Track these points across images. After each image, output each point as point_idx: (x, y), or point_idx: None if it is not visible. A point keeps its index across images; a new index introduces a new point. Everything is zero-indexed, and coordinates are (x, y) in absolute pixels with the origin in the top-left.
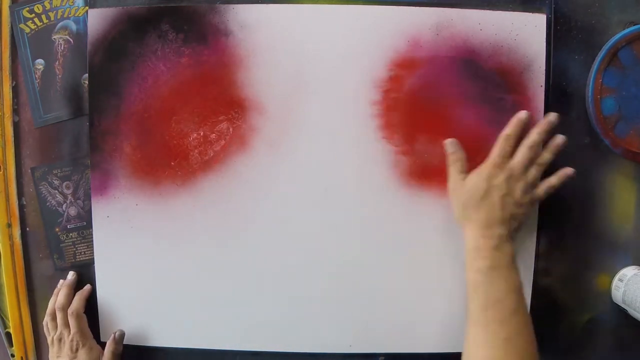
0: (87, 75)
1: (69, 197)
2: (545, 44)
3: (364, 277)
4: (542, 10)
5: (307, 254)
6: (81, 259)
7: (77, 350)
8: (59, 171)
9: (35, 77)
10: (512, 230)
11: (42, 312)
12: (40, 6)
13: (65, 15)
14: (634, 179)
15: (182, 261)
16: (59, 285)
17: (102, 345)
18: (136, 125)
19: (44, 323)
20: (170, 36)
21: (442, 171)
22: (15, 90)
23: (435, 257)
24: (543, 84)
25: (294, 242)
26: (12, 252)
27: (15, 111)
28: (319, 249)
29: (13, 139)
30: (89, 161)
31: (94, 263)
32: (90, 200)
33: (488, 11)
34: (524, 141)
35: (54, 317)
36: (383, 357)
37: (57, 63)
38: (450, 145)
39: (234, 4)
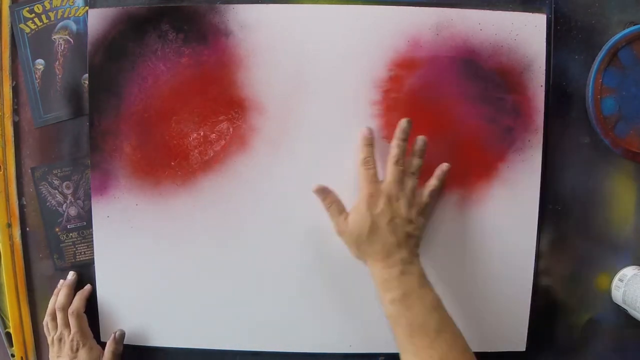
0: (87, 75)
1: (69, 197)
2: (545, 44)
3: (364, 277)
4: (542, 10)
5: (307, 254)
6: (81, 259)
7: (77, 350)
8: (59, 171)
9: (35, 77)
10: (412, 248)
11: (42, 312)
12: (40, 6)
13: (65, 15)
14: (634, 179)
15: (182, 261)
16: (59, 285)
17: (102, 345)
18: (136, 125)
19: (44, 323)
20: (170, 36)
21: None
22: (15, 90)
23: (435, 257)
24: (543, 84)
25: (294, 242)
26: (12, 252)
27: (15, 111)
28: (319, 248)
29: (13, 139)
30: (89, 161)
31: (94, 263)
32: (90, 200)
33: (488, 11)
34: (389, 158)
35: (54, 317)
36: (383, 357)
37: (57, 63)
38: (318, 192)
39: (234, 4)
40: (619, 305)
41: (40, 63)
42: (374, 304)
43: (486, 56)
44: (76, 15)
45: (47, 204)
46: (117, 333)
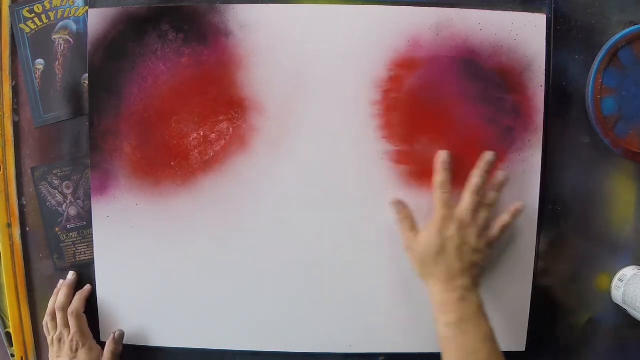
0: (87, 75)
1: (69, 197)
2: (545, 44)
3: (364, 277)
4: (542, 10)
5: (307, 253)
6: (81, 259)
7: (77, 350)
8: (59, 171)
9: (35, 77)
10: (475, 277)
11: (42, 312)
12: (40, 6)
13: (65, 15)
14: (634, 179)
15: (182, 261)
16: (59, 285)
17: (102, 345)
18: (136, 125)
19: (44, 323)
20: (170, 36)
21: None
22: (15, 90)
23: None
24: (543, 84)
25: (294, 242)
26: (12, 252)
27: (15, 111)
28: (318, 248)
29: (13, 139)
30: (89, 161)
31: (94, 263)
32: (90, 200)
33: (488, 11)
34: (468, 187)
35: (54, 317)
36: (383, 357)
37: (57, 63)
38: (395, 205)
39: (234, 4)
40: (619, 305)
41: (40, 63)
42: (374, 304)
43: (486, 56)
44: (76, 15)
45: (47, 204)
46: (116, 333)
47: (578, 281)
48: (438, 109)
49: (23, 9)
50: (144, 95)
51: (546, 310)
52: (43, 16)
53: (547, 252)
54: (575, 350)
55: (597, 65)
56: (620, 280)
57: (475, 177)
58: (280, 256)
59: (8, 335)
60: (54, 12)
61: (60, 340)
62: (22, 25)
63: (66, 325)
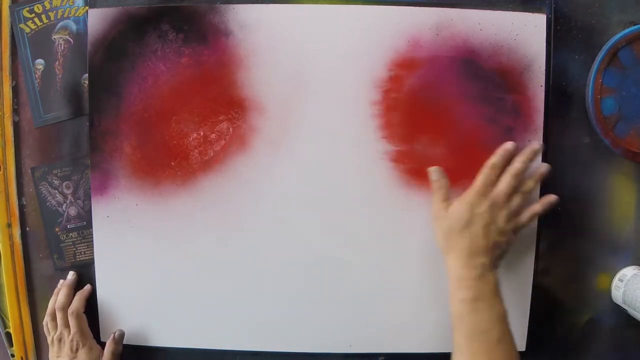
0: (87, 75)
1: (69, 197)
2: (545, 44)
3: (364, 277)
4: (542, 10)
5: (307, 253)
6: (81, 259)
7: (77, 350)
8: (59, 171)
9: (35, 77)
10: (496, 258)
11: (42, 312)
12: (40, 6)
13: (65, 15)
14: (634, 179)
15: (182, 261)
16: (59, 285)
17: (102, 345)
18: (136, 125)
19: (44, 323)
20: (170, 36)
21: None
22: (15, 90)
23: (436, 257)
24: (543, 84)
25: (294, 242)
26: (12, 252)
27: (15, 111)
28: (318, 248)
29: (13, 139)
30: (89, 161)
31: (94, 263)
32: (90, 200)
33: (488, 11)
34: (508, 169)
35: (54, 317)
36: (383, 357)
37: (57, 63)
38: (434, 173)
39: (234, 4)
40: (619, 305)
41: (40, 63)
42: (374, 304)
43: (486, 56)
44: (76, 15)
45: (47, 204)
46: (116, 333)
47: (578, 281)
48: (438, 109)
49: (23, 9)
50: (144, 95)
51: (546, 310)
52: (43, 16)
53: (547, 252)
54: (575, 350)
55: (597, 65)
56: (620, 280)
57: (517, 162)
58: (280, 256)
59: (8, 335)
60: (54, 12)
61: (60, 340)
62: (22, 25)
63: (66, 325)
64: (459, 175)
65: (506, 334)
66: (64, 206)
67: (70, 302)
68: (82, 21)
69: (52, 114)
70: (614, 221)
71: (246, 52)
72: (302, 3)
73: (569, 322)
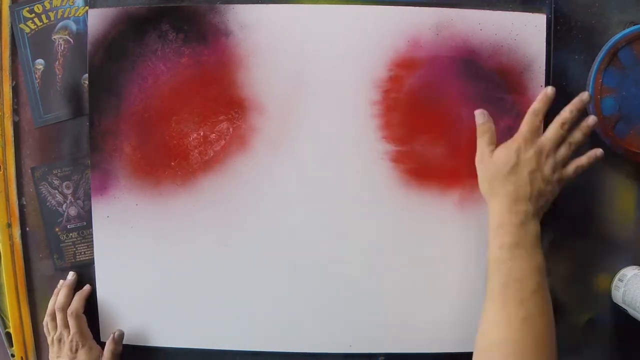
0: (87, 75)
1: (69, 197)
2: (545, 44)
3: (364, 277)
4: (542, 10)
5: (306, 253)
6: (81, 259)
7: (76, 350)
8: (59, 171)
9: (35, 77)
10: (539, 208)
11: (42, 312)
12: (40, 6)
13: (65, 15)
14: (634, 179)
15: (182, 261)
16: (59, 286)
17: (102, 345)
18: (136, 125)
19: (44, 323)
20: (170, 36)
21: (442, 171)
22: (15, 90)
23: (436, 257)
24: (543, 84)
25: (294, 241)
26: (12, 252)
27: (15, 111)
28: (318, 248)
29: (13, 139)
30: (89, 161)
31: (94, 263)
32: (90, 200)
33: (488, 11)
34: (556, 118)
35: (53, 318)
36: (383, 357)
37: (57, 63)
38: (480, 115)
39: (234, 4)
40: (619, 305)
41: (40, 63)
42: (374, 304)
43: (486, 56)
44: (76, 15)
45: (47, 204)
46: (116, 333)
47: (578, 281)
48: (438, 109)
49: (23, 9)
50: (144, 95)
51: None
52: (43, 16)
53: (547, 252)
54: (575, 350)
55: (597, 65)
56: (620, 280)
57: (565, 111)
58: (280, 256)
59: (8, 335)
60: (54, 12)
61: (60, 340)
62: (22, 25)
63: (66, 325)
64: (459, 176)
65: (542, 286)
66: (64, 206)
67: (70, 302)
68: (82, 21)
69: (52, 114)
70: (614, 221)
71: (246, 52)
72: (302, 3)
73: (569, 322)
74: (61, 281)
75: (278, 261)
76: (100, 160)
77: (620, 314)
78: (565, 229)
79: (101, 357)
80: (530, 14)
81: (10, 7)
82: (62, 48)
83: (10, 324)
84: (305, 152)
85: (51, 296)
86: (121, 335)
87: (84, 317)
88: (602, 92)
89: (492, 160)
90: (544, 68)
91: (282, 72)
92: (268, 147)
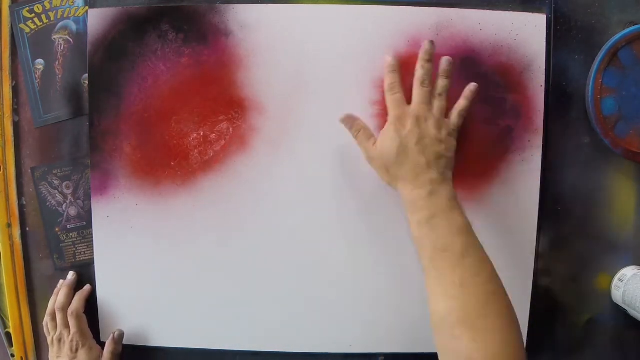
0: (87, 75)
1: (69, 197)
2: (545, 44)
3: (364, 277)
4: (542, 10)
5: (306, 253)
6: (81, 259)
7: (77, 350)
8: (59, 171)
9: (35, 77)
10: (443, 170)
11: (42, 312)
12: (40, 6)
13: (65, 15)
14: (634, 179)
15: (182, 261)
16: (59, 286)
17: (102, 345)
18: (136, 125)
19: (44, 323)
20: (170, 36)
21: None
22: (15, 90)
23: None
24: (543, 84)
25: (294, 241)
26: (12, 252)
27: (15, 111)
28: (318, 248)
29: (13, 139)
30: (89, 161)
31: (94, 263)
32: (90, 200)
33: (488, 11)
34: (414, 80)
35: (53, 318)
36: (383, 357)
37: (57, 63)
38: (345, 121)
39: (234, 4)
40: (619, 305)
41: (40, 63)
42: (374, 304)
43: (486, 56)
44: (76, 15)
45: (47, 204)
46: (115, 333)
47: (578, 281)
48: None
49: (23, 9)
50: (144, 95)
51: (546, 310)
52: (43, 16)
53: (547, 252)
54: (575, 350)
55: (597, 65)
56: (620, 280)
57: (418, 70)
58: (280, 256)
59: (8, 335)
60: (54, 12)
61: (60, 340)
62: (22, 25)
63: (66, 325)
64: (459, 175)
65: (471, 246)
66: (64, 206)
67: (70, 302)
68: (82, 21)
69: (52, 114)
70: (614, 221)
71: (246, 52)
72: (302, 3)
73: (569, 322)
74: (61, 281)
75: (278, 261)
76: (100, 160)
77: (620, 314)
78: (565, 229)
79: (101, 357)
80: (530, 14)
81: (10, 7)
82: (62, 48)
83: (10, 324)
84: (305, 152)
85: (51, 296)
86: (121, 335)
87: (84, 317)
88: (602, 92)
89: (378, 152)
90: (544, 68)
91: (282, 72)
92: (268, 147)
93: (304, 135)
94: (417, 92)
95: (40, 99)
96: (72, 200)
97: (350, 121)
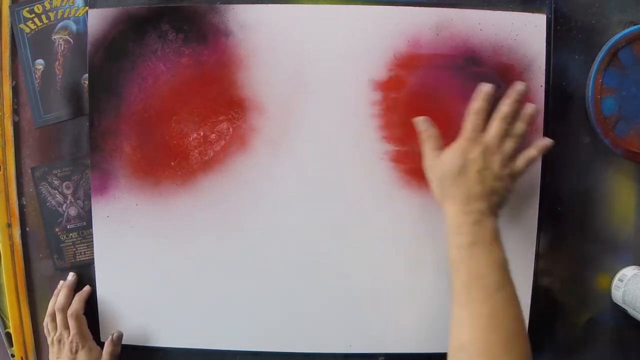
0: (87, 75)
1: (69, 197)
2: (545, 44)
3: (364, 277)
4: (542, 10)
5: (307, 253)
6: (81, 259)
7: (76, 351)
8: (59, 171)
9: (35, 77)
10: (494, 205)
11: (42, 312)
12: (40, 6)
13: (65, 16)
14: (634, 179)
15: (182, 261)
16: (59, 286)
17: (102, 345)
18: (136, 125)
19: (44, 324)
20: (170, 36)
21: None
22: (15, 90)
23: (436, 257)
24: (543, 84)
25: (294, 241)
26: (12, 252)
27: (15, 111)
28: (318, 248)
29: (13, 139)
30: (89, 161)
31: (94, 263)
32: (90, 200)
33: (488, 11)
34: (495, 114)
35: (53, 318)
36: (383, 357)
37: (57, 63)
38: (421, 123)
39: (234, 4)
40: (619, 305)
41: (40, 63)
42: (374, 304)
43: (486, 56)
44: (76, 15)
45: (47, 204)
46: (114, 335)
47: (578, 281)
48: (438, 109)
49: (23, 9)
50: (144, 95)
51: (546, 310)
52: (43, 16)
53: (547, 252)
54: (575, 350)
55: (597, 65)
56: (620, 280)
57: (504, 106)
58: (280, 256)
59: (8, 335)
60: (54, 12)
61: (60, 341)
62: (22, 26)
63: (66, 326)
64: None
65: (505, 282)
66: (64, 206)
67: (70, 303)
68: (82, 21)
69: (52, 114)
70: (614, 221)
71: (246, 52)
72: (302, 3)
73: (569, 322)
74: (61, 282)
75: (278, 261)
76: (100, 160)
77: (620, 314)
78: (565, 229)
79: (101, 358)
80: (530, 14)
81: (10, 7)
82: (62, 48)
83: (10, 324)
84: (305, 152)
85: (51, 296)
86: (120, 336)
87: (84, 318)
88: (602, 92)
89: (439, 165)
90: (544, 68)
91: (282, 72)
92: (268, 147)
93: (304, 135)
94: (496, 124)
95: (40, 99)
96: (72, 200)
97: (425, 125)
